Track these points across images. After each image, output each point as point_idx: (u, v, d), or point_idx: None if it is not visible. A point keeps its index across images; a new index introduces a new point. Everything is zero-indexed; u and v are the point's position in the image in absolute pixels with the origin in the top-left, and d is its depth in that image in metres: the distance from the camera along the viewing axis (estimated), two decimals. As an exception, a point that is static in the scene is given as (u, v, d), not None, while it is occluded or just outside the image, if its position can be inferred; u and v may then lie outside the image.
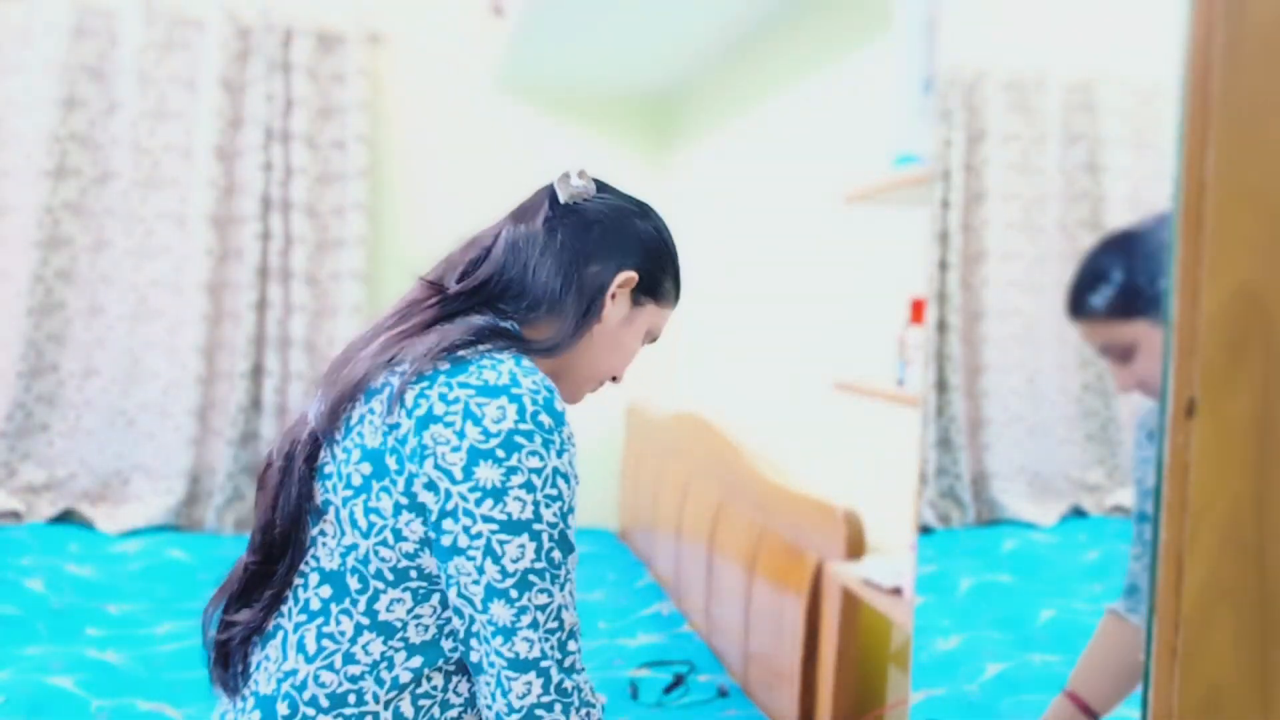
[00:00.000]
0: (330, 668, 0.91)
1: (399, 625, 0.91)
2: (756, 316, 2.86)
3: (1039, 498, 1.41)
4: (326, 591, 0.92)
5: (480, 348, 0.94)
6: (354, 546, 0.91)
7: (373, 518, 0.90)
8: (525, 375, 0.91)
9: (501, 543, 0.88)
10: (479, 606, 0.89)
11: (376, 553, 0.91)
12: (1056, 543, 1.39)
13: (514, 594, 0.88)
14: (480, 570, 0.89)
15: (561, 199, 1.03)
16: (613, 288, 1.02)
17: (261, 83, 3.39)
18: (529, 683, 0.89)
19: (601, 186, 1.06)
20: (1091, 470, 1.36)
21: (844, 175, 1.90)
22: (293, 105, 3.41)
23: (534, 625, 0.89)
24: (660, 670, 2.32)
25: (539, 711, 0.89)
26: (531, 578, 0.88)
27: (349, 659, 0.91)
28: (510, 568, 0.88)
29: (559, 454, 0.89)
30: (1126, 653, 1.01)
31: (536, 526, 0.88)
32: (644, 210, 1.08)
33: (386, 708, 0.91)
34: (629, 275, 1.02)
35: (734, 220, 3.07)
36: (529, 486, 0.88)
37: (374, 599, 0.91)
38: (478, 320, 0.98)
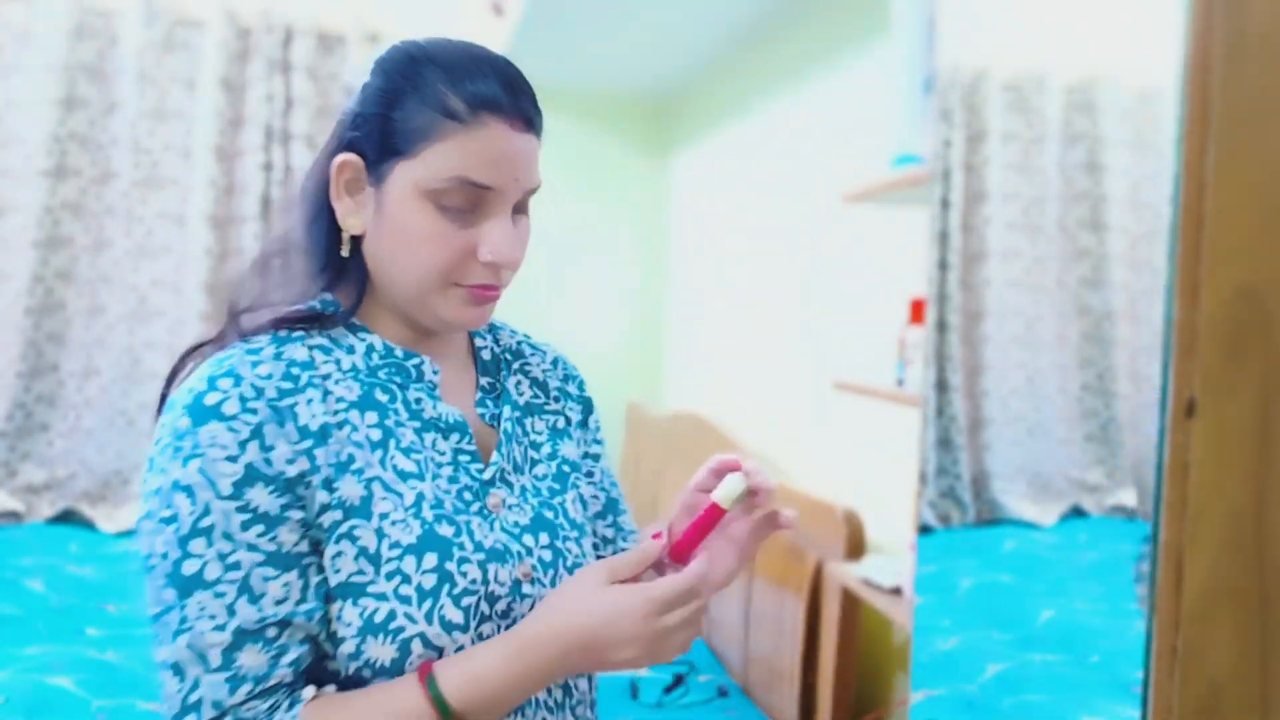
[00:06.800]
0: None
1: None
2: (756, 316, 2.86)
3: (1039, 498, 1.42)
4: None
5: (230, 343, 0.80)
6: None
7: None
8: (212, 366, 0.75)
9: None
10: None
11: None
12: (1056, 543, 1.39)
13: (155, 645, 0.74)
14: None
15: None
16: (333, 188, 0.79)
17: (261, 83, 3.39)
18: None
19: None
20: (1091, 470, 1.36)
21: (844, 175, 1.90)
22: (293, 105, 3.41)
23: (162, 690, 0.73)
24: (660, 670, 2.32)
25: None
26: (156, 628, 0.73)
27: None
28: (149, 612, 0.74)
29: (186, 462, 0.71)
30: None
31: (152, 562, 0.72)
32: (383, 54, 0.82)
33: None
34: (340, 160, 0.78)
35: (734, 220, 3.07)
36: (148, 514, 0.73)
37: None
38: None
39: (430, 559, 0.76)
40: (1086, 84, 1.23)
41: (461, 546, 0.78)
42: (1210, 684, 0.59)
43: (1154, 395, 0.60)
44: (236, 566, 0.71)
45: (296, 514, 0.73)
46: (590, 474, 0.97)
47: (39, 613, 2.55)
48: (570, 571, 0.85)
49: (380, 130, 0.77)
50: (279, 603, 0.72)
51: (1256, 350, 0.58)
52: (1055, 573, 1.43)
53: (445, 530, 0.78)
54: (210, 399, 0.72)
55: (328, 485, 0.75)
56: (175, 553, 0.71)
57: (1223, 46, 0.57)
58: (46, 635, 2.41)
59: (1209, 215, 0.57)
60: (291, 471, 0.73)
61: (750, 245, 2.91)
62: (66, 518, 3.29)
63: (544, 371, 0.96)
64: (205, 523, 0.71)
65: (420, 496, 0.78)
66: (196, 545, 0.71)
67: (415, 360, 0.83)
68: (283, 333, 0.80)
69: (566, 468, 0.92)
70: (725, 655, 2.42)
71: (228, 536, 0.71)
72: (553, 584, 0.83)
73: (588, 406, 1.00)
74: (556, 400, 0.96)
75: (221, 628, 0.71)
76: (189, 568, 0.71)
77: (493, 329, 0.96)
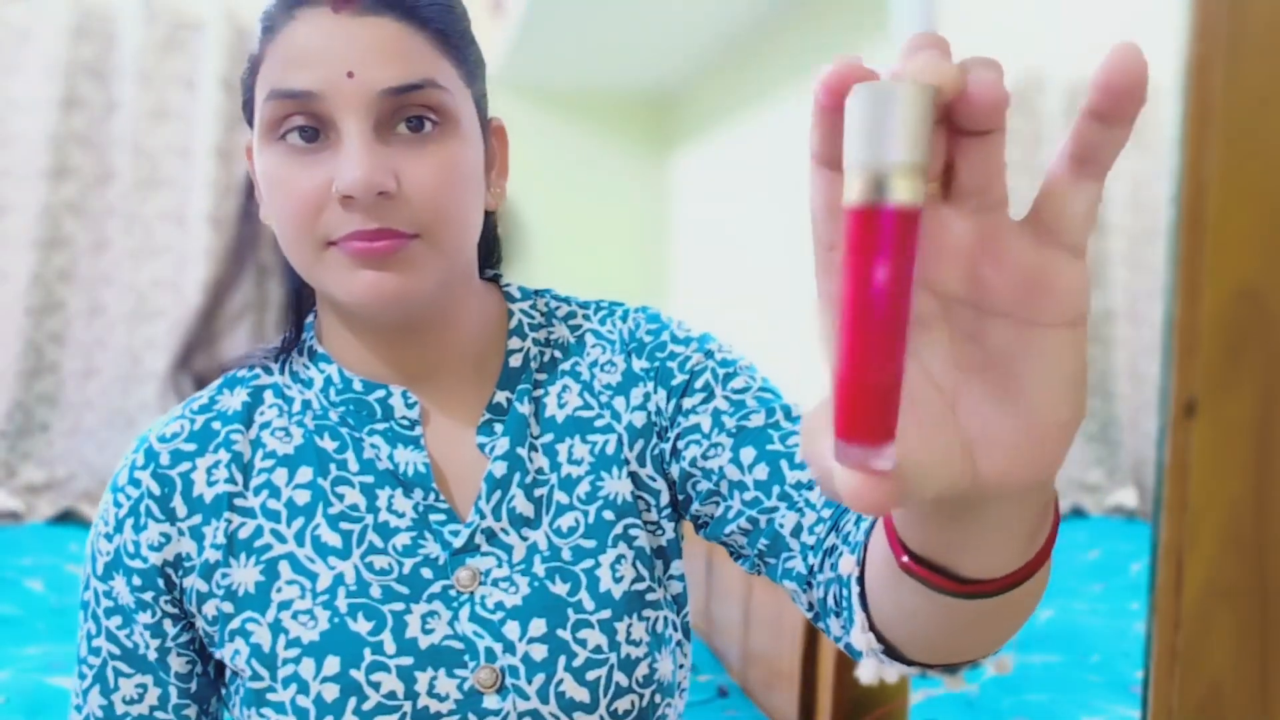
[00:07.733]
0: None
1: None
2: (757, 316, 2.86)
3: (1039, 498, 1.41)
4: None
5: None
6: None
7: None
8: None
9: None
10: None
11: None
12: (1056, 543, 1.39)
13: None
14: None
15: None
16: (256, 187, 0.64)
17: (261, 83, 3.39)
18: None
19: None
20: (1091, 470, 1.36)
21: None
22: (293, 105, 3.41)
23: None
24: (660, 670, 2.32)
25: None
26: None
27: None
28: None
29: (96, 527, 0.65)
30: None
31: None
32: None
33: None
34: (245, 147, 0.64)
35: (734, 220, 3.07)
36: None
37: None
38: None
39: (332, 663, 0.58)
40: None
41: (379, 647, 0.59)
42: (1210, 684, 0.59)
43: (1154, 395, 0.60)
44: (97, 653, 0.64)
45: (146, 616, 0.62)
46: (697, 467, 0.64)
47: (39, 613, 2.55)
48: (577, 675, 0.60)
49: (246, 98, 0.61)
50: (130, 703, 0.64)
51: (1256, 350, 0.58)
52: (1055, 573, 1.42)
53: (360, 625, 0.59)
54: (122, 463, 0.64)
55: (208, 571, 0.62)
56: (86, 651, 0.66)
57: (1223, 45, 0.57)
58: (46, 635, 2.41)
59: (1209, 215, 0.57)
60: (156, 559, 0.62)
61: (751, 245, 2.91)
62: (66, 518, 3.29)
63: (599, 366, 0.69)
64: (86, 596, 0.65)
65: (337, 580, 0.60)
66: (81, 615, 0.65)
67: (379, 393, 0.63)
68: (243, 373, 0.67)
69: (610, 514, 0.64)
70: (725, 655, 2.42)
71: (95, 618, 0.64)
72: (541, 694, 0.59)
73: (661, 375, 0.67)
74: (605, 407, 0.67)
75: (78, 709, 0.66)
76: (107, 670, 0.64)
77: (549, 317, 0.71)
